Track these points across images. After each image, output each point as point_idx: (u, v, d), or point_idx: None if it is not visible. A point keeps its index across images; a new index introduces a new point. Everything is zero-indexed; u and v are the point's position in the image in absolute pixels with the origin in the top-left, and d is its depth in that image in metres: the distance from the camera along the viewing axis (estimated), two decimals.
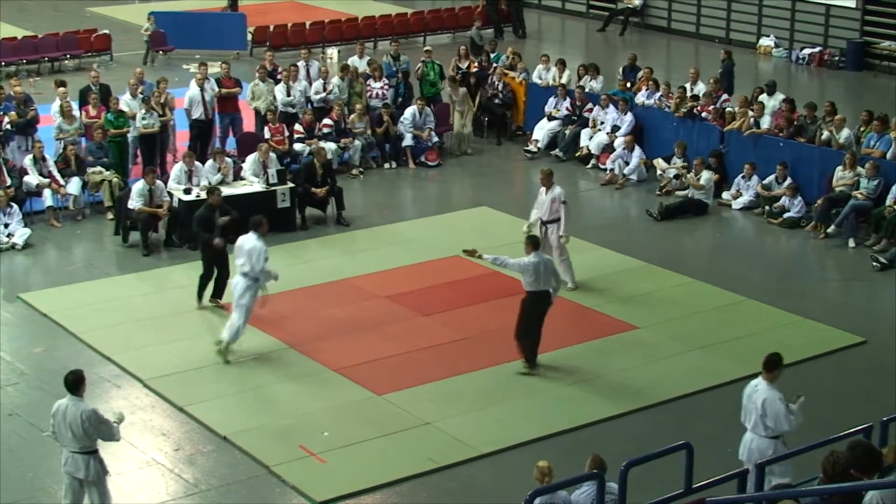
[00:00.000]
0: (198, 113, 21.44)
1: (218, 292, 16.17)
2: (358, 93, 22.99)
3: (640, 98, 22.84)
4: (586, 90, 23.30)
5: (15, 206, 18.66)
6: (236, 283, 14.73)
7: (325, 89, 22.58)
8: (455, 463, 12.61)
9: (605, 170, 21.97)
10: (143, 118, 20.60)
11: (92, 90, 21.57)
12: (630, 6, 34.40)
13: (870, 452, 8.26)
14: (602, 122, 22.66)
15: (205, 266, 16.16)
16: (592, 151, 22.47)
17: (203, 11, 33.12)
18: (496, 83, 24.02)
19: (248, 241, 14.65)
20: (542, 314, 14.51)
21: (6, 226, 18.39)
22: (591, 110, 22.94)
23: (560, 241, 16.47)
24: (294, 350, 15.04)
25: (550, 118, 23.34)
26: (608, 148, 22.21)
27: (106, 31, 30.63)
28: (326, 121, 21.76)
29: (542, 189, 16.61)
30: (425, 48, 26.52)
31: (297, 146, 21.31)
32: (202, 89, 21.43)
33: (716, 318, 16.19)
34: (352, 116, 22.16)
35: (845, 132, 20.04)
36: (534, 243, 14.54)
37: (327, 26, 32.09)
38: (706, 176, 20.22)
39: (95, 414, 10.67)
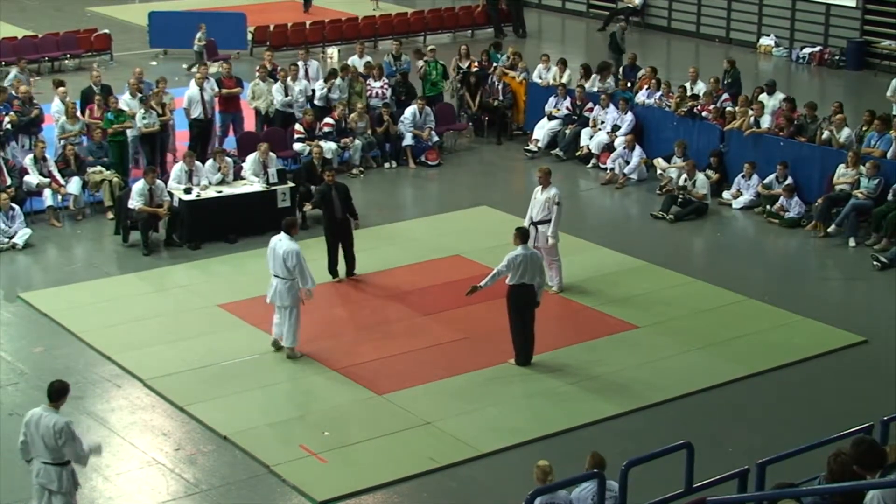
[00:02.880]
0: (197, 112, 21.45)
1: (350, 269, 17.13)
2: (358, 92, 23.00)
3: (641, 97, 22.83)
4: (597, 90, 23.26)
5: (17, 209, 18.63)
6: (275, 286, 14.68)
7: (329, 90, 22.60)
8: (455, 463, 12.61)
9: (606, 169, 21.97)
10: (143, 118, 20.62)
11: (94, 90, 21.58)
12: (630, 6, 34.41)
13: (873, 449, 8.25)
14: (602, 122, 22.66)
15: (328, 242, 17.05)
16: (593, 151, 22.47)
17: (203, 11, 33.11)
18: (495, 83, 24.04)
19: (281, 244, 14.62)
20: (526, 308, 14.50)
21: (8, 227, 18.37)
22: (591, 110, 22.94)
23: (548, 242, 16.38)
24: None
25: (551, 118, 23.34)
26: (608, 147, 22.21)
27: (106, 31, 30.66)
28: (328, 120, 21.78)
29: (539, 188, 16.58)
30: (430, 48, 26.45)
31: (297, 146, 21.33)
32: (201, 89, 21.43)
33: (716, 318, 16.18)
34: (352, 116, 22.16)
35: (846, 131, 20.03)
36: (522, 235, 14.59)
37: (327, 26, 32.10)
38: (700, 180, 20.17)
39: (68, 427, 10.38)
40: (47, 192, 19.29)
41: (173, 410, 13.66)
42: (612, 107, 22.56)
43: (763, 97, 21.90)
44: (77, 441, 10.45)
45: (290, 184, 19.20)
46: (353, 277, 17.17)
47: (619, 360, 14.91)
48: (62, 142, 20.22)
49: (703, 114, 21.69)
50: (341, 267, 17.18)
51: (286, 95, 22.35)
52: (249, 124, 22.70)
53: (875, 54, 29.70)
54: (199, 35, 28.29)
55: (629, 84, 23.44)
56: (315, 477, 12.29)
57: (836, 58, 30.06)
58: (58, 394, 10.52)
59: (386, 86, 23.42)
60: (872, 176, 18.80)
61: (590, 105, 23.01)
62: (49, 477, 10.51)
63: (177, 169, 19.06)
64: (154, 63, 29.43)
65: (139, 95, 21.29)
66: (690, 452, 9.37)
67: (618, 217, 20.68)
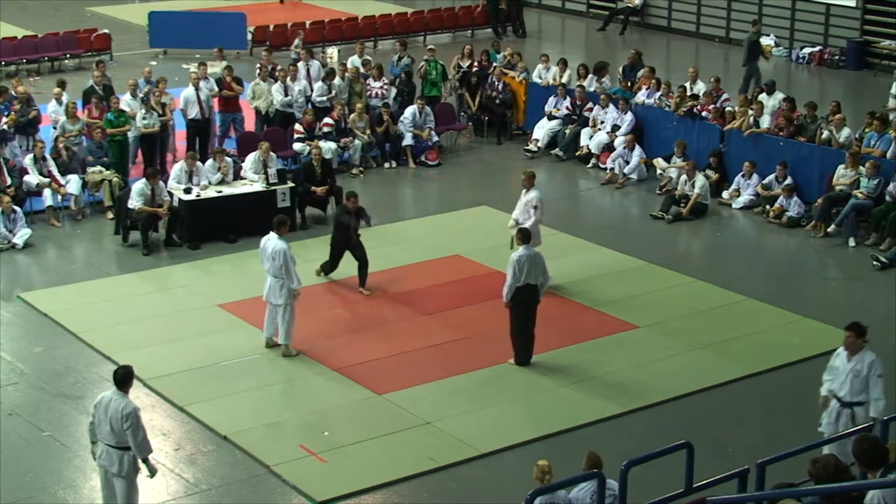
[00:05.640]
0: (193, 112, 21.44)
1: (362, 280, 16.81)
2: (358, 92, 23.00)
3: (641, 97, 22.83)
4: (593, 89, 23.25)
5: (19, 211, 18.60)
6: (269, 284, 14.72)
7: (329, 90, 22.57)
8: (455, 463, 12.61)
9: (606, 169, 21.97)
10: (144, 118, 20.62)
11: (96, 90, 21.58)
12: (630, 5, 34.38)
13: (876, 447, 8.26)
14: (602, 122, 22.66)
15: (333, 253, 16.93)
16: (592, 151, 22.47)
17: (203, 11, 33.11)
18: (495, 83, 24.05)
19: (271, 244, 14.66)
20: (528, 309, 14.52)
21: (10, 230, 18.34)
22: (591, 109, 22.94)
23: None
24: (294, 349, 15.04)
25: (550, 117, 23.34)
26: (608, 147, 22.21)
27: (106, 31, 30.65)
28: (327, 120, 21.78)
29: (524, 191, 16.66)
30: (429, 47, 26.39)
31: (297, 146, 21.34)
32: (197, 89, 21.42)
33: (716, 318, 16.18)
34: (352, 116, 22.17)
35: (845, 131, 20.03)
36: (524, 236, 14.61)
37: (327, 26, 32.10)
38: (700, 182, 20.16)
39: (136, 414, 10.74)
40: (47, 192, 19.28)
41: (173, 410, 13.67)
42: (611, 107, 22.56)
43: (763, 97, 21.91)
44: (141, 430, 10.79)
45: (290, 184, 19.21)
46: (363, 292, 16.96)
47: (619, 360, 14.91)
48: (56, 135, 20.20)
49: (703, 114, 21.69)
50: (339, 272, 17.15)
51: (286, 95, 22.35)
52: (249, 124, 22.71)
53: (875, 54, 29.69)
54: (296, 42, 28.08)
55: (629, 84, 23.44)
56: (315, 477, 12.29)
57: (836, 58, 30.05)
58: (123, 380, 10.90)
59: (386, 86, 23.43)
60: (872, 176, 18.80)
61: (590, 105, 23.01)
62: (110, 459, 10.88)
63: (177, 169, 19.06)
64: (154, 63, 29.42)
65: (140, 96, 21.29)
66: (690, 452, 9.37)
67: (618, 217, 20.68)
